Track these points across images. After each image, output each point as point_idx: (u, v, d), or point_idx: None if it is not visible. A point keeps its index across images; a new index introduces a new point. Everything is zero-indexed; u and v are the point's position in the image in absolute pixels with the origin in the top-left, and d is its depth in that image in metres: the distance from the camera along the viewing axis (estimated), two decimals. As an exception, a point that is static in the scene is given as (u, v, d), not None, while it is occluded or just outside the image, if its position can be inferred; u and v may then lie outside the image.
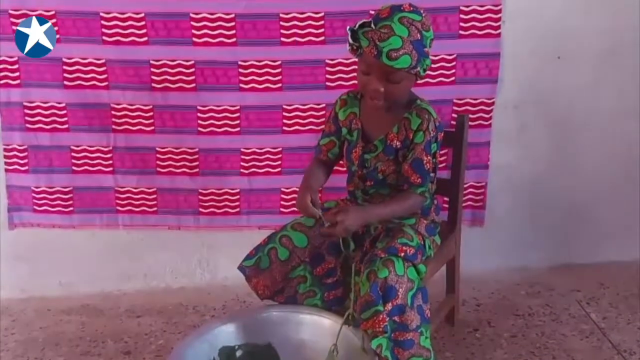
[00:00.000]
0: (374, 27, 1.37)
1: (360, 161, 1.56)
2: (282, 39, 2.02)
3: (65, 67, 2.06)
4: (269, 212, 2.18)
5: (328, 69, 2.04)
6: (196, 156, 2.14)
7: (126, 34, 2.02)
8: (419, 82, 1.49)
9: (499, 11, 2.00)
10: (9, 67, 2.07)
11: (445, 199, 1.91)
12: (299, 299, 1.58)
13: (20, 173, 2.16)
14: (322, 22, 2.00)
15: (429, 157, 1.48)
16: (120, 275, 2.27)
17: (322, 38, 2.01)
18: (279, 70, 2.05)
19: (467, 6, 2.00)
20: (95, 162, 2.15)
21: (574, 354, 1.77)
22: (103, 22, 2.01)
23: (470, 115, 2.07)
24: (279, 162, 2.15)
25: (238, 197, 2.19)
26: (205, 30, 2.02)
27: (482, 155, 2.15)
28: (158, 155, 2.14)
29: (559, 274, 2.24)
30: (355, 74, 2.04)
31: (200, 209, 2.19)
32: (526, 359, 1.76)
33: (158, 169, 2.15)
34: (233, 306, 2.12)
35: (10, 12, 2.01)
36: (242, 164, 2.15)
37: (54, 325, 2.06)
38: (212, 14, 2.00)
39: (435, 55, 2.04)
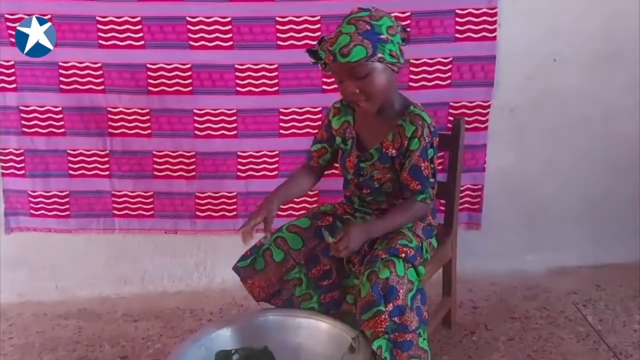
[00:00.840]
0: (326, 39, 1.43)
1: (356, 170, 1.56)
2: (279, 42, 2.03)
3: (61, 71, 2.06)
4: (266, 216, 2.18)
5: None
6: (193, 159, 2.14)
7: (122, 38, 2.03)
8: (398, 71, 1.46)
9: (495, 14, 2.01)
10: (5, 71, 2.07)
11: (442, 201, 1.91)
12: (295, 302, 1.58)
13: (17, 177, 2.16)
14: (318, 26, 2.01)
15: (426, 163, 1.48)
16: (117, 280, 2.27)
17: (318, 41, 2.02)
18: (275, 73, 2.05)
19: (463, 9, 2.00)
20: (91, 166, 2.15)
21: (570, 356, 1.77)
22: (99, 26, 2.02)
23: (467, 118, 2.08)
24: (276, 166, 2.15)
25: (235, 200, 2.19)
26: (202, 34, 2.02)
27: (478, 158, 2.15)
28: (155, 159, 2.14)
29: (556, 276, 2.24)
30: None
31: (197, 213, 2.20)
32: (523, 362, 1.76)
33: (155, 173, 2.16)
34: (230, 310, 2.12)
35: (7, 16, 2.01)
36: (239, 167, 2.15)
37: (51, 330, 2.05)
38: (208, 17, 2.01)
39: (431, 59, 2.05)
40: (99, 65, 2.05)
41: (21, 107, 2.10)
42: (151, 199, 2.18)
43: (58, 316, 2.14)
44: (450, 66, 2.05)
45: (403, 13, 2.00)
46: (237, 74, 2.05)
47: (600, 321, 1.95)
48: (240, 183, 2.17)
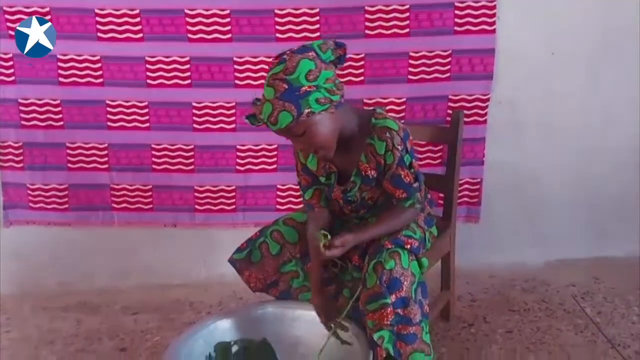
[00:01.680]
0: (257, 103, 1.37)
1: (345, 200, 1.54)
2: (278, 35, 2.02)
3: (60, 64, 2.06)
4: (265, 209, 2.18)
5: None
6: (192, 153, 2.14)
7: (121, 31, 2.02)
8: (338, 106, 1.36)
9: (494, 7, 2.01)
10: (4, 63, 2.06)
11: (441, 195, 1.92)
12: (292, 293, 1.59)
13: (16, 170, 2.16)
14: (317, 18, 2.01)
15: (405, 171, 1.44)
16: (116, 273, 2.27)
17: (317, 34, 2.01)
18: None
19: (462, 2, 2.00)
20: (90, 159, 2.15)
21: (569, 348, 1.78)
22: (98, 19, 2.01)
23: (466, 112, 2.08)
24: (275, 159, 2.15)
25: (234, 194, 2.19)
26: (201, 27, 2.02)
27: (477, 152, 2.15)
28: (153, 152, 2.14)
29: (554, 269, 2.24)
30: (349, 76, 2.04)
31: (196, 206, 2.20)
32: (521, 354, 1.76)
33: (153, 166, 2.16)
34: (230, 302, 2.12)
35: (5, 9, 2.01)
36: (237, 160, 2.15)
37: (49, 323, 2.05)
38: (207, 9, 2.00)
39: (431, 52, 2.04)
40: (97, 58, 2.05)
41: (20, 100, 2.10)
42: (150, 193, 2.18)
43: (57, 309, 2.14)
44: (449, 59, 2.05)
45: (402, 5, 2.00)
46: (236, 66, 2.05)
47: (599, 313, 1.95)
48: (239, 177, 2.17)
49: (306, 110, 1.29)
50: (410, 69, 2.06)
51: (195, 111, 2.10)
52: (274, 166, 2.16)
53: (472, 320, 1.95)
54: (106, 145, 2.13)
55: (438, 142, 2.10)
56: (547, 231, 2.27)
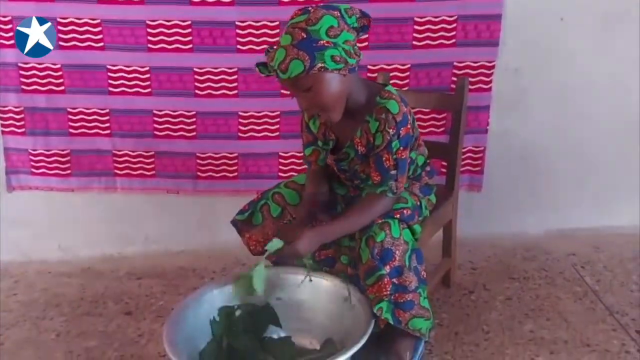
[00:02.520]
0: (270, 50, 1.34)
1: (338, 168, 1.54)
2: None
3: (60, 27, 2.03)
4: (267, 177, 2.18)
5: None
6: (194, 119, 2.13)
7: (121, -6, 1.99)
8: (351, 71, 1.36)
9: (502, -29, 1.97)
10: (3, 27, 2.03)
11: (443, 163, 1.91)
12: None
13: (17, 135, 2.15)
14: (321, -18, 1.97)
15: (389, 155, 1.41)
16: (120, 239, 2.29)
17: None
18: (277, 31, 2.01)
19: (470, -34, 1.96)
20: (92, 124, 2.14)
21: (567, 315, 1.80)
22: (97, -18, 1.98)
23: (470, 79, 2.05)
24: (277, 126, 2.14)
25: (236, 161, 2.18)
26: (202, -10, 1.98)
27: (481, 120, 2.14)
28: (155, 119, 2.13)
29: (555, 238, 2.26)
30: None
31: (199, 173, 2.20)
32: (520, 320, 1.79)
33: (155, 133, 2.15)
34: (233, 269, 2.15)
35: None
36: (240, 127, 2.14)
37: (55, 287, 2.08)
38: (207, -27, 1.97)
39: (436, 17, 2.01)
40: (97, 21, 2.02)
41: (20, 64, 2.07)
42: (152, 159, 2.18)
43: (62, 274, 2.17)
44: (455, 25, 2.02)
45: (408, -31, 1.96)
46: (238, 31, 2.02)
47: (598, 282, 1.97)
48: (242, 143, 2.16)
49: (319, 64, 1.28)
50: (415, 35, 2.03)
51: (197, 77, 2.08)
52: (277, 133, 2.15)
53: (472, 287, 1.97)
54: (108, 110, 2.12)
55: (442, 110, 2.08)
56: (549, 201, 2.28)
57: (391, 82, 2.00)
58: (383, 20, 2.00)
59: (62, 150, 2.17)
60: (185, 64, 2.06)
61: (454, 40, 2.04)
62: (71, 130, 2.14)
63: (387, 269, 1.37)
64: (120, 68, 2.07)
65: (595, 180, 2.26)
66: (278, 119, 2.13)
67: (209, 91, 2.09)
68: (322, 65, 1.28)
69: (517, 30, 2.04)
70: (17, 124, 2.14)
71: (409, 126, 1.43)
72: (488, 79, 2.09)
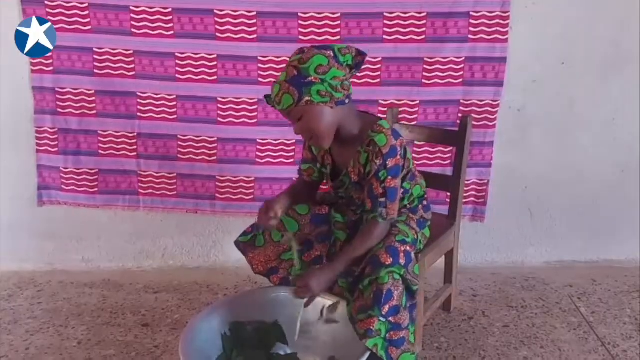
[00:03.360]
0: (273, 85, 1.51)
1: (336, 193, 1.68)
2: (300, 37, 2.11)
3: (95, 57, 2.18)
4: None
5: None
6: (215, 145, 2.26)
7: (154, 27, 2.14)
8: (340, 104, 1.48)
9: (508, 17, 2.09)
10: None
11: (448, 194, 2.01)
12: (292, 281, 1.70)
13: (50, 154, 2.30)
14: (338, 22, 2.10)
15: (377, 184, 1.51)
16: (139, 254, 2.41)
17: (337, 37, 2.12)
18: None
19: (477, 12, 2.09)
20: (120, 146, 2.28)
21: (560, 344, 1.88)
22: (132, 15, 2.13)
23: (476, 116, 2.18)
24: (293, 154, 2.27)
25: (253, 184, 2.30)
26: (228, 27, 2.13)
27: (485, 154, 2.24)
28: (179, 143, 2.27)
29: (554, 270, 2.34)
30: (366, 78, 2.14)
31: (217, 195, 2.32)
32: (516, 347, 1.86)
33: (179, 156, 2.28)
34: (244, 287, 2.25)
35: (47, 2, 2.11)
36: (257, 153, 2.27)
37: (77, 297, 2.20)
38: (234, 11, 2.11)
39: (445, 58, 2.14)
40: (130, 52, 2.17)
41: (57, 89, 2.22)
42: (174, 180, 2.31)
43: (84, 285, 2.28)
44: (462, 65, 2.14)
45: (419, 13, 2.09)
46: (260, 65, 2.16)
47: (593, 313, 2.05)
48: (258, 168, 2.28)
49: (306, 98, 1.44)
50: (425, 74, 2.15)
51: (220, 105, 2.22)
52: (292, 160, 2.27)
53: (472, 313, 2.06)
54: (135, 134, 2.26)
55: (447, 144, 2.19)
56: (549, 233, 2.36)
57: (400, 116, 2.13)
58: (395, 60, 2.14)
59: (91, 169, 2.31)
60: (210, 94, 2.20)
61: (461, 80, 2.16)
62: (100, 151, 2.28)
63: (386, 308, 1.45)
64: (149, 95, 2.21)
65: (593, 214, 2.34)
66: (294, 147, 2.26)
67: (230, 119, 2.23)
68: (309, 98, 1.44)
69: (521, 73, 2.16)
70: (51, 143, 2.28)
71: (398, 157, 1.52)
72: (493, 117, 2.20)
